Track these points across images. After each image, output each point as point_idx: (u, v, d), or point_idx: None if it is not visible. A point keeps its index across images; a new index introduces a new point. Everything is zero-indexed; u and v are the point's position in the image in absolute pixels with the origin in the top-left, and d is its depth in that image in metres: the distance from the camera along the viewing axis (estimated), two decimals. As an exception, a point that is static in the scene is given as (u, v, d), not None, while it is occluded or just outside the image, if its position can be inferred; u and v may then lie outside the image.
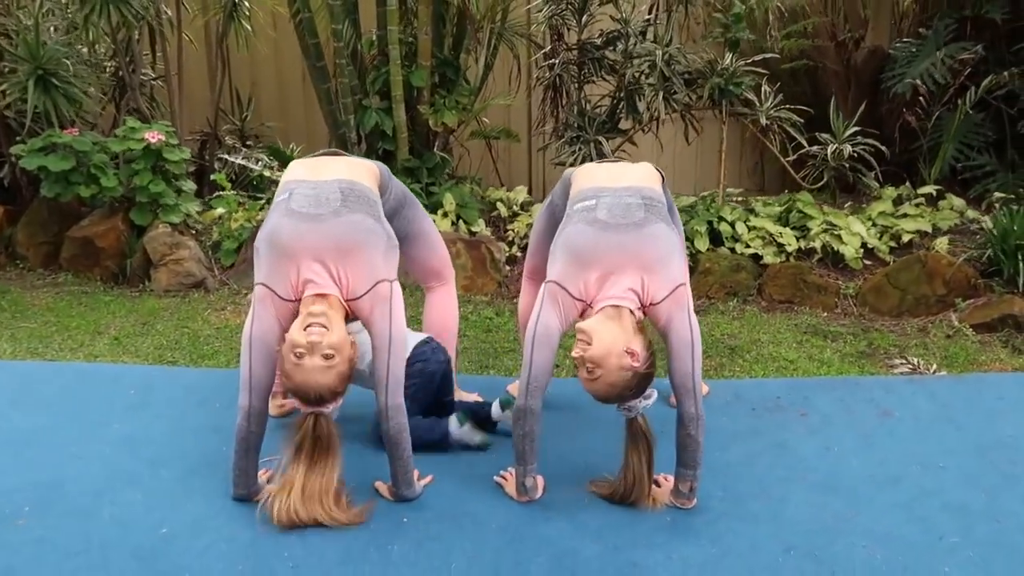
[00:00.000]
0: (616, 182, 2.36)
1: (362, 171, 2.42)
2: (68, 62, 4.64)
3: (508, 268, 4.52)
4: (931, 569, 2.04)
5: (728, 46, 4.64)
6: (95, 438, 2.66)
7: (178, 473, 2.45)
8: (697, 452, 2.23)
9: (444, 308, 2.85)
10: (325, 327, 2.11)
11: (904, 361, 3.42)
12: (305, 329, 2.11)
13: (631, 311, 2.19)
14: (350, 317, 2.27)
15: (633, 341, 2.14)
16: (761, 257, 4.27)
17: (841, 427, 2.79)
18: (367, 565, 2.02)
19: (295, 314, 2.23)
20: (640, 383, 2.16)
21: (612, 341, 2.12)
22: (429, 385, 2.61)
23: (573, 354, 2.15)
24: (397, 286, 2.28)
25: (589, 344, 2.12)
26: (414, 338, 2.61)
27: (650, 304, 2.22)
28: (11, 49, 4.57)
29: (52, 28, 4.78)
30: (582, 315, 2.25)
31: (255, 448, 2.25)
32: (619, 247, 2.22)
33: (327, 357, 2.10)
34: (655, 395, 2.23)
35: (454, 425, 2.58)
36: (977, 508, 2.31)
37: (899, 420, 2.84)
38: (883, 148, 4.79)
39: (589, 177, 2.44)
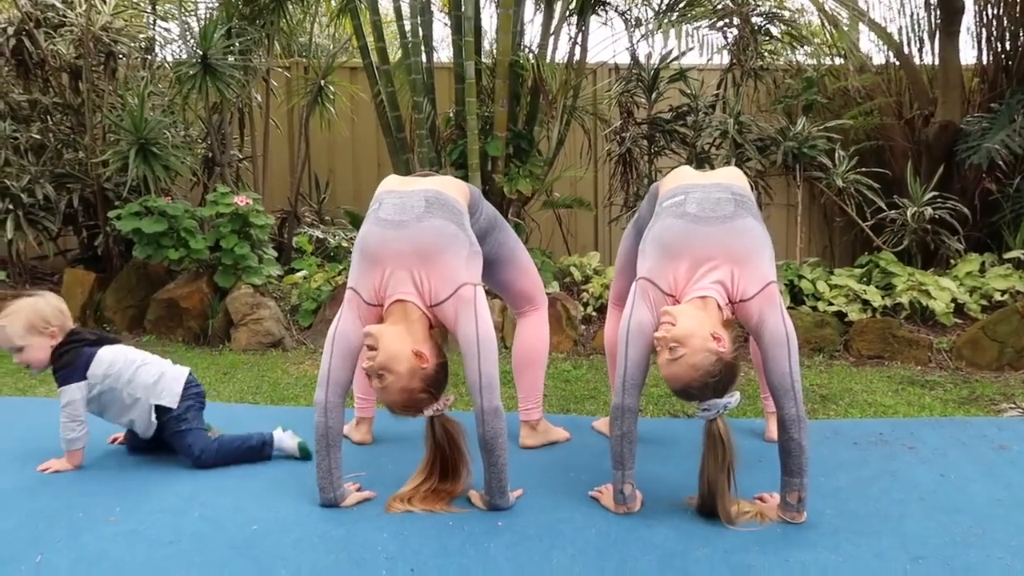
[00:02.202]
0: (706, 179, 2.37)
1: (451, 185, 2.47)
2: (168, 133, 4.92)
3: (584, 327, 4.48)
4: (1082, 580, 1.85)
5: (802, 110, 4.70)
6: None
7: (265, 484, 2.41)
8: (802, 457, 2.10)
9: (535, 334, 2.82)
10: (373, 348, 2.14)
11: (1014, 406, 3.23)
12: (366, 351, 2.17)
13: (718, 304, 2.14)
14: (434, 325, 2.27)
15: (718, 328, 2.08)
16: (845, 315, 4.15)
17: (955, 458, 2.62)
18: (464, 559, 1.92)
19: (377, 319, 2.25)
20: (723, 373, 2.06)
21: (698, 323, 2.06)
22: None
23: (657, 335, 2.06)
24: (481, 291, 2.27)
25: (673, 324, 2.05)
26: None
27: (740, 300, 2.16)
28: (117, 122, 4.88)
29: (151, 107, 5.11)
30: None
31: (336, 444, 2.22)
32: (708, 239, 2.19)
33: (380, 377, 2.14)
34: (738, 396, 2.12)
35: (278, 432, 2.65)
36: (1123, 528, 2.11)
37: (1019, 453, 2.66)
38: (965, 210, 4.71)
39: (678, 177, 2.45)
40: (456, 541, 2.01)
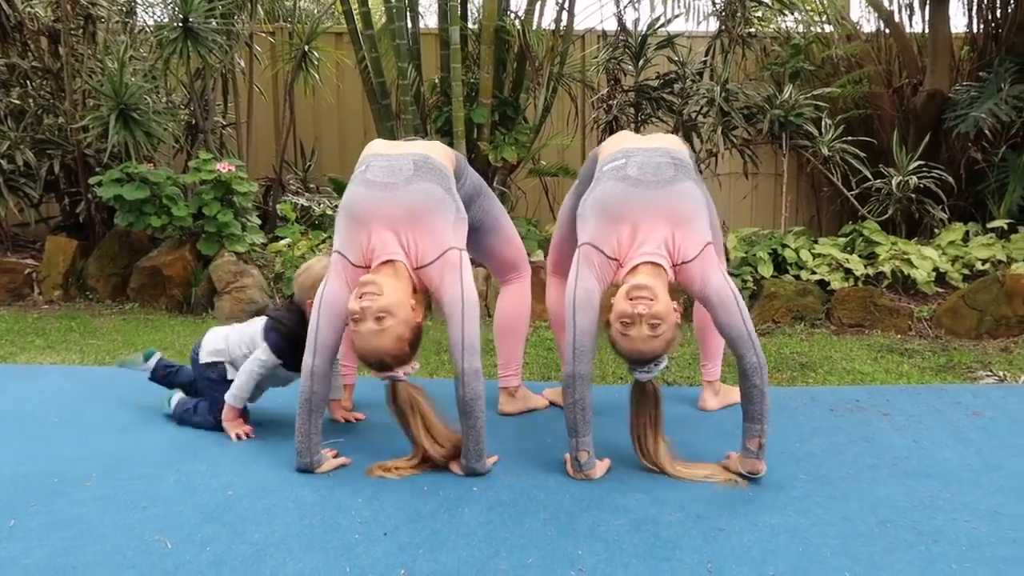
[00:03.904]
0: (646, 144, 2.37)
1: (439, 150, 2.46)
2: (149, 99, 4.86)
3: (567, 296, 4.47)
4: (1046, 543, 1.87)
5: (788, 78, 4.67)
6: (160, 424, 2.66)
7: (243, 449, 2.42)
8: (763, 403, 2.14)
9: (518, 301, 2.82)
10: (376, 293, 2.12)
11: (990, 373, 3.26)
12: (359, 297, 2.12)
13: (664, 269, 2.16)
14: (418, 288, 2.26)
15: (670, 297, 2.12)
16: (828, 283, 4.16)
17: (929, 424, 2.64)
18: (437, 523, 1.93)
19: None
20: (676, 338, 2.15)
21: (668, 296, 2.08)
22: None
23: (636, 310, 2.05)
24: (467, 256, 2.27)
25: (653, 300, 2.06)
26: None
27: (681, 262, 2.18)
28: (96, 87, 4.81)
29: (132, 71, 5.03)
30: (616, 274, 2.20)
31: (318, 411, 2.22)
32: (650, 202, 2.20)
33: (379, 319, 2.10)
34: (666, 357, 2.20)
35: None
36: (1090, 493, 2.13)
37: (992, 419, 2.68)
38: (950, 180, 4.71)
39: (618, 141, 2.45)
40: (430, 506, 2.02)
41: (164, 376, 2.83)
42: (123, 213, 4.65)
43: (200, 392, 2.67)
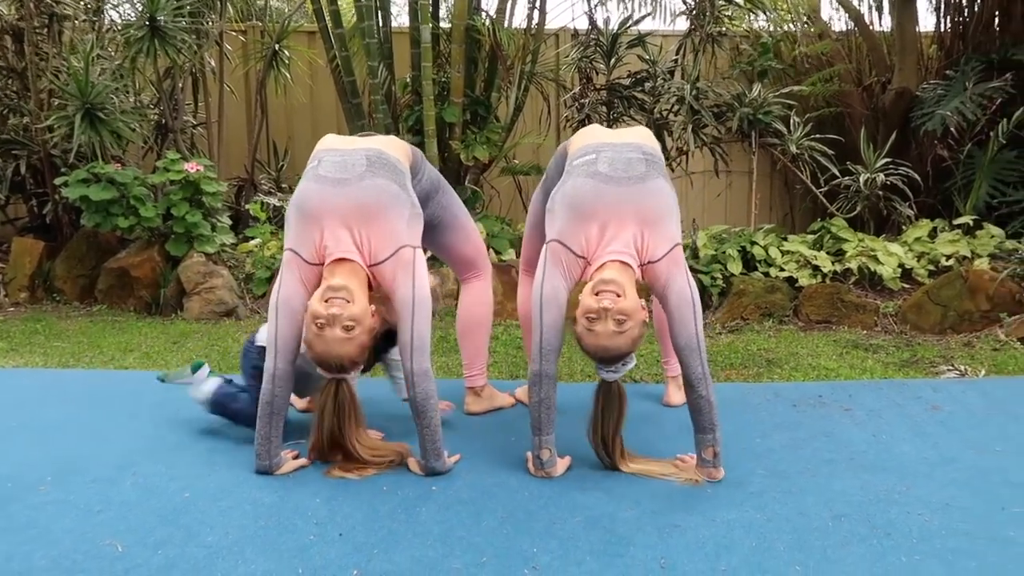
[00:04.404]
0: (617, 139, 2.35)
1: (393, 145, 2.45)
2: (115, 98, 4.81)
3: (538, 294, 4.48)
4: (994, 534, 1.89)
5: (757, 76, 4.70)
6: (120, 426, 2.63)
7: (202, 452, 2.40)
8: (712, 412, 2.14)
9: (479, 299, 2.80)
10: (347, 300, 2.10)
11: (951, 368, 3.29)
12: (326, 301, 2.10)
13: (633, 268, 2.15)
14: (372, 286, 2.25)
15: (638, 295, 2.11)
16: (796, 280, 4.20)
17: (889, 419, 2.67)
18: (394, 523, 1.92)
19: (320, 277, 2.22)
20: (642, 336, 2.13)
21: (635, 293, 2.08)
22: None
23: (601, 304, 2.04)
24: (421, 253, 2.26)
25: (620, 296, 2.05)
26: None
27: (648, 262, 2.17)
28: (62, 86, 4.75)
29: (99, 71, 4.98)
30: (583, 272, 2.20)
31: (279, 413, 2.21)
32: (620, 200, 2.18)
33: (347, 329, 2.09)
34: (634, 357, 2.18)
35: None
36: (1042, 485, 2.17)
37: (950, 413, 2.72)
38: (916, 177, 4.76)
39: (589, 135, 2.41)
40: (388, 506, 2.02)
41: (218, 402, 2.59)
42: (89, 214, 4.60)
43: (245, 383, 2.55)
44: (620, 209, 2.17)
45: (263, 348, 2.42)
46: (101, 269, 4.83)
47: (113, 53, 5.39)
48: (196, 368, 2.59)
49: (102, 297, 4.81)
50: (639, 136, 2.38)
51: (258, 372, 2.42)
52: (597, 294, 2.07)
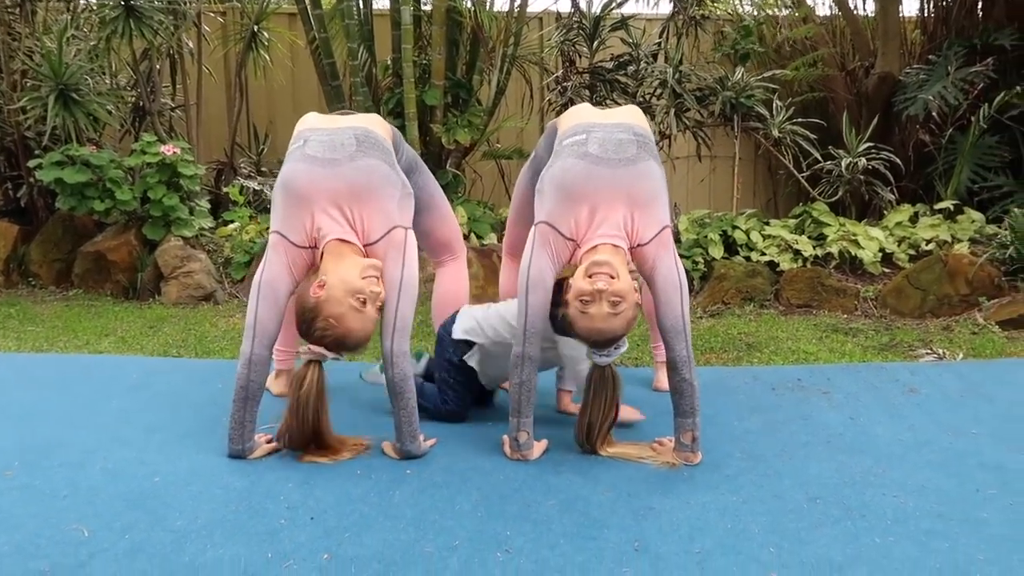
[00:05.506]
0: (607, 119, 2.31)
1: (377, 123, 2.42)
2: (89, 80, 4.73)
3: (520, 279, 4.45)
4: (967, 515, 1.89)
5: (738, 59, 4.67)
6: (92, 411, 2.58)
7: (174, 436, 2.36)
8: (694, 396, 2.14)
9: (456, 281, 2.77)
10: (377, 278, 2.12)
11: (929, 352, 3.30)
12: (365, 278, 2.09)
13: (624, 251, 2.13)
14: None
15: (631, 277, 2.09)
16: (777, 264, 4.19)
17: (866, 402, 2.67)
18: (366, 507, 1.90)
19: (309, 262, 2.20)
20: (635, 318, 2.11)
21: (628, 276, 2.06)
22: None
23: (596, 287, 2.01)
24: (412, 234, 2.24)
25: (614, 277, 2.03)
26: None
27: (637, 244, 2.15)
28: (35, 67, 4.67)
29: (74, 52, 4.89)
30: (572, 255, 2.17)
31: (254, 399, 2.17)
32: (611, 182, 2.14)
33: (378, 309, 2.11)
34: (626, 340, 2.16)
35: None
36: (1015, 467, 2.17)
37: (927, 396, 2.72)
38: (898, 161, 4.76)
39: (578, 115, 2.37)
40: (360, 489, 2.00)
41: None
42: (64, 197, 4.53)
43: (434, 376, 2.53)
44: (611, 191, 2.14)
45: (460, 341, 2.44)
46: (77, 253, 4.76)
47: (88, 33, 5.28)
48: (418, 357, 2.61)
49: (78, 281, 4.74)
50: (630, 116, 2.34)
51: (451, 367, 2.45)
52: (590, 276, 2.04)
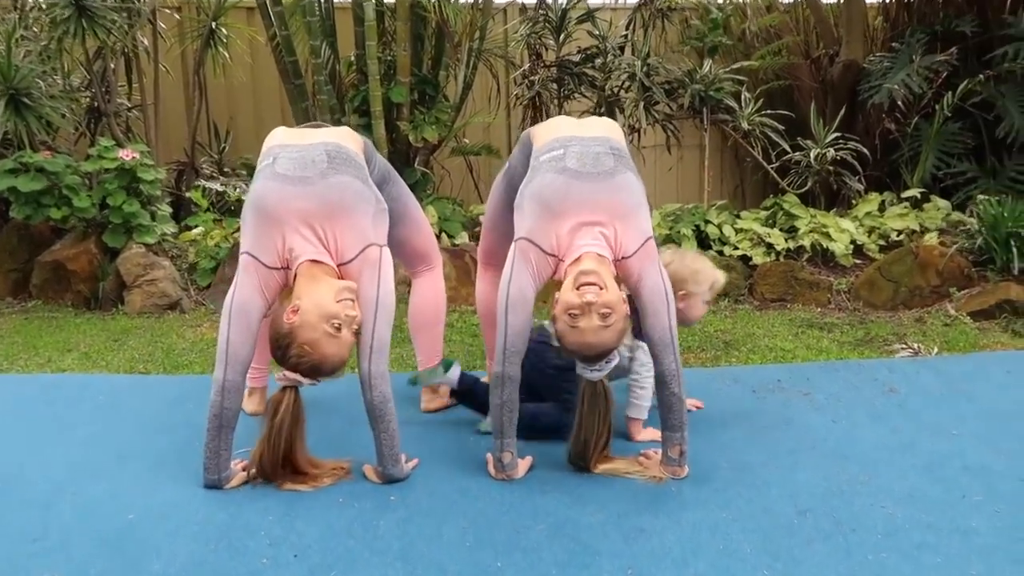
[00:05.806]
0: (584, 132, 2.27)
1: (347, 136, 2.34)
2: (41, 83, 4.56)
3: (493, 279, 4.41)
4: (956, 525, 1.90)
5: (707, 52, 4.65)
6: (58, 439, 2.49)
7: (147, 465, 2.29)
8: (682, 410, 2.12)
9: (432, 292, 2.72)
10: (353, 301, 2.06)
11: (905, 346, 3.32)
12: (339, 302, 2.03)
13: (608, 260, 2.09)
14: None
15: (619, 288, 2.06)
16: (750, 258, 4.20)
17: (847, 403, 2.68)
18: (351, 540, 1.85)
19: (281, 283, 2.13)
20: (627, 330, 2.08)
21: (616, 286, 2.02)
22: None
23: (584, 299, 1.96)
24: (387, 252, 2.18)
25: (603, 288, 1.98)
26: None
27: (622, 257, 2.12)
28: (-19, 71, 4.48)
29: (23, 54, 4.71)
30: (555, 270, 2.13)
31: (229, 426, 2.10)
32: (591, 196, 2.11)
33: (355, 332, 2.06)
34: (617, 354, 2.12)
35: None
36: (999, 469, 2.19)
37: (906, 395, 2.74)
38: (865, 151, 4.78)
39: (554, 129, 2.33)
40: (344, 520, 1.94)
41: (468, 390, 2.53)
42: (19, 206, 4.37)
43: (538, 389, 2.38)
44: (591, 205, 2.11)
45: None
46: (35, 263, 4.59)
47: (38, 33, 5.09)
48: (448, 367, 2.51)
49: (37, 292, 4.58)
50: (606, 129, 2.31)
51: (559, 371, 2.30)
52: (578, 288, 1.99)
